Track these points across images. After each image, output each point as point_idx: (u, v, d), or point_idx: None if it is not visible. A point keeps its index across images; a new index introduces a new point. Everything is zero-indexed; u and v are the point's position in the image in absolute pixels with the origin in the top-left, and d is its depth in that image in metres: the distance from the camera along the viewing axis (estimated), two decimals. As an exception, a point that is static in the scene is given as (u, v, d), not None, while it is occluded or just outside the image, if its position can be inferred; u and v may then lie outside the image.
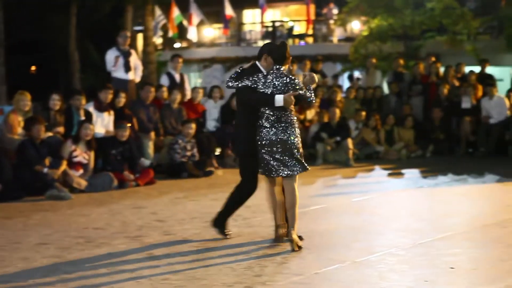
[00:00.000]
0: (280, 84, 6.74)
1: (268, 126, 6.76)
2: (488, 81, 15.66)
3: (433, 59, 17.28)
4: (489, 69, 17.42)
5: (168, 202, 9.57)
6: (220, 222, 7.24)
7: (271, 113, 6.75)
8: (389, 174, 12.61)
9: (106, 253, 6.55)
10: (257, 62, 7.03)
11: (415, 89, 16.32)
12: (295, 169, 6.75)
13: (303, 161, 6.83)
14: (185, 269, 6.00)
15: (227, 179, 11.88)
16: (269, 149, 6.74)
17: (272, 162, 6.75)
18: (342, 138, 14.06)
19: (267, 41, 30.63)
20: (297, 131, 6.83)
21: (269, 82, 6.77)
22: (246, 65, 7.13)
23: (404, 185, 11.46)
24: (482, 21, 25.54)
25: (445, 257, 6.40)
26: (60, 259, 6.35)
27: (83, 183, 10.41)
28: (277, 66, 6.82)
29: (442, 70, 17.08)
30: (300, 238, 6.87)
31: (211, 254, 6.54)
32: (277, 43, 7.18)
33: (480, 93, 15.72)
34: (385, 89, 18.02)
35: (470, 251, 6.72)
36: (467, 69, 17.19)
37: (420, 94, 16.26)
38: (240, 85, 6.86)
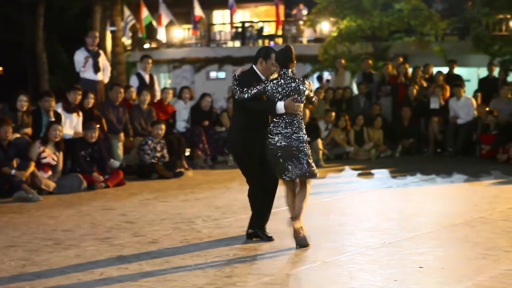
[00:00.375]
0: (286, 89, 6.75)
1: (280, 131, 6.77)
2: (456, 82, 15.81)
3: (401, 59, 17.41)
4: (456, 70, 17.60)
5: (137, 204, 9.52)
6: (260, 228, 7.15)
7: (282, 118, 6.76)
8: (359, 174, 12.69)
9: (75, 255, 6.50)
10: (253, 66, 7.03)
11: (384, 89, 16.43)
12: (307, 174, 6.79)
13: (313, 167, 6.86)
14: (155, 271, 5.97)
15: (197, 180, 11.89)
16: (281, 153, 6.76)
17: (285, 165, 6.77)
18: (312, 138, 14.08)
19: (237, 42, 30.73)
20: (305, 136, 6.88)
21: (277, 87, 6.77)
22: (239, 70, 7.11)
23: (374, 185, 11.54)
24: (449, 22, 25.83)
25: (414, 257, 6.45)
26: (29, 261, 6.28)
27: (52, 184, 10.32)
28: (284, 71, 6.82)
29: (410, 70, 17.22)
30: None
31: (182, 256, 6.51)
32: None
33: (448, 93, 15.86)
34: (355, 89, 18.13)
35: (438, 250, 6.77)
36: (435, 70, 17.34)
37: (389, 95, 16.38)
38: (250, 95, 6.81)
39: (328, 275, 5.91)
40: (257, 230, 7.09)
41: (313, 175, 6.84)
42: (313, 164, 6.87)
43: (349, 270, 6.01)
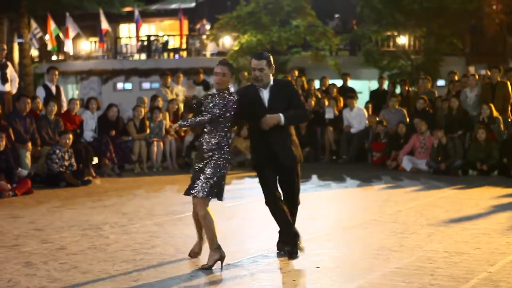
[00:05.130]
0: None
1: None
2: (349, 94, 16.54)
3: (297, 72, 17.95)
4: (350, 83, 18.32)
5: (45, 211, 9.43)
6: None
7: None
8: (261, 181, 12.98)
9: (-17, 263, 6.40)
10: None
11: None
12: None
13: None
14: (62, 277, 5.95)
15: (105, 187, 11.93)
16: None
17: None
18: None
19: (143, 54, 30.84)
20: None
21: None
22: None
23: (274, 191, 11.82)
24: (341, 38, 26.95)
25: (311, 257, 6.72)
26: None
27: (-42, 194, 10.14)
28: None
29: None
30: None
31: (89, 261, 6.53)
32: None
33: (341, 104, 16.56)
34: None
35: (334, 251, 7.07)
36: (330, 82, 18.05)
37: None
38: None
39: (231, 277, 6.09)
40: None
41: None
42: None
43: (251, 272, 6.21)
